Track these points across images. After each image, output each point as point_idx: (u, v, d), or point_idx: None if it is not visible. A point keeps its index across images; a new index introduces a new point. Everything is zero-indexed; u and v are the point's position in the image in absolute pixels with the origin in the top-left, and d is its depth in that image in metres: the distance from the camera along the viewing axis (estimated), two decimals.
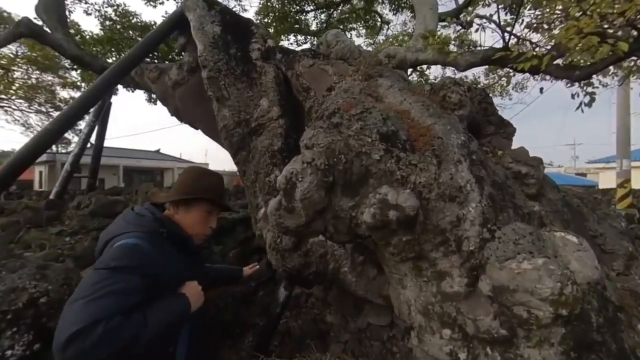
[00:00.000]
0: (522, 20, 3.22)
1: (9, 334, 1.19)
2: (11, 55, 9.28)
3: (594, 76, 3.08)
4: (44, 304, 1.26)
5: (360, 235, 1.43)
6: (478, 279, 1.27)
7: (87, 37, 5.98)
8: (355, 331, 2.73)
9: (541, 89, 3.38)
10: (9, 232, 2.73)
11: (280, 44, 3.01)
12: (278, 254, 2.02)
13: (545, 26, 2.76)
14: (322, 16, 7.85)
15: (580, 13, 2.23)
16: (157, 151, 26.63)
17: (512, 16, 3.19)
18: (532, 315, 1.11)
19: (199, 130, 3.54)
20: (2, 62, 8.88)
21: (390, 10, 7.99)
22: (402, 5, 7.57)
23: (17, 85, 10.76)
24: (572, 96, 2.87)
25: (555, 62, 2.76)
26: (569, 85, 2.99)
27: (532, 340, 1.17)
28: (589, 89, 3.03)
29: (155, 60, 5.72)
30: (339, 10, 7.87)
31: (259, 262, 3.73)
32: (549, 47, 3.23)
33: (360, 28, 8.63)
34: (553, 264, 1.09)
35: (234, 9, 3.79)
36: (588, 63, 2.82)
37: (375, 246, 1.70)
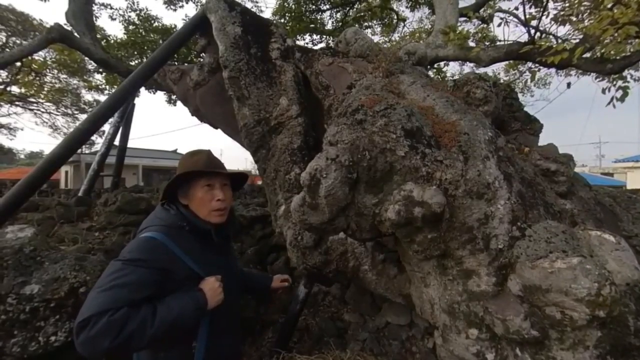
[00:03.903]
0: (548, 14, 3.10)
1: (53, 321, 1.27)
2: (41, 60, 9.78)
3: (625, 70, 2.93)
4: (83, 294, 1.34)
5: (383, 233, 1.43)
6: (507, 278, 1.24)
7: (112, 41, 6.25)
8: (373, 330, 2.71)
9: (568, 84, 3.23)
10: (44, 227, 2.91)
11: (296, 44, 3.03)
12: (299, 252, 2.03)
13: (574, 18, 2.64)
14: (338, 15, 7.85)
15: (613, 3, 2.13)
16: (174, 151, 27.34)
17: (537, 9, 3.08)
18: (566, 317, 1.08)
19: (215, 131, 3.61)
20: (34, 66, 9.36)
21: (406, 7, 7.90)
22: (419, 1, 7.46)
23: (46, 88, 11.33)
24: (603, 91, 2.74)
25: (584, 56, 2.65)
26: (599, 79, 2.86)
27: (565, 343, 1.13)
28: (620, 83, 2.89)
29: (175, 62, 5.89)
30: (355, 9, 7.83)
31: (277, 260, 3.79)
32: (576, 41, 3.10)
33: (376, 26, 8.57)
34: (589, 264, 1.05)
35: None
36: (620, 56, 2.68)
37: (397, 244, 1.69)
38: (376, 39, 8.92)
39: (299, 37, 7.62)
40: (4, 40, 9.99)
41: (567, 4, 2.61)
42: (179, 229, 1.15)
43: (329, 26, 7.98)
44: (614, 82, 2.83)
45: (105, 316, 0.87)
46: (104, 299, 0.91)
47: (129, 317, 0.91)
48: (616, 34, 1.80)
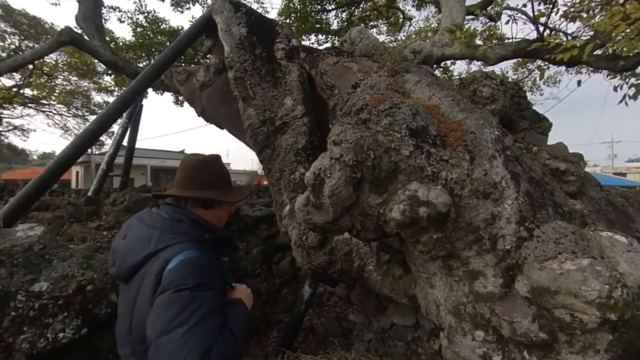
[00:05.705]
0: (557, 10, 3.04)
1: (60, 318, 1.29)
2: (53, 63, 9.99)
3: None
4: (90, 292, 1.36)
5: (387, 233, 1.42)
6: (514, 279, 1.22)
7: (121, 43, 6.35)
8: (378, 331, 2.70)
9: (579, 82, 3.16)
10: (54, 226, 2.98)
11: (301, 44, 3.03)
12: (304, 251, 2.03)
13: (584, 14, 2.59)
14: (344, 15, 7.83)
15: None
16: (182, 152, 27.61)
17: (546, 6, 3.02)
18: (575, 319, 1.05)
19: (221, 131, 3.62)
20: (46, 69, 9.57)
21: (412, 6, 7.84)
22: (426, 0, 7.40)
23: (58, 90, 11.58)
24: (615, 88, 2.67)
25: (595, 53, 2.59)
26: (610, 77, 2.79)
27: (574, 346, 1.10)
28: (633, 81, 2.81)
29: (182, 64, 5.95)
30: (361, 8, 7.81)
31: (282, 260, 3.81)
32: (586, 38, 3.04)
33: (382, 25, 8.52)
34: (600, 265, 1.02)
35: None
36: (632, 53, 2.61)
37: (402, 244, 1.68)
38: (382, 38, 8.88)
39: (304, 37, 7.62)
40: (17, 43, 10.26)
41: (577, 0, 2.55)
42: (202, 241, 1.07)
43: (334, 26, 7.97)
44: (627, 80, 2.76)
45: (212, 351, 0.83)
46: (201, 335, 0.84)
47: (226, 344, 0.88)
48: (628, 30, 1.75)
